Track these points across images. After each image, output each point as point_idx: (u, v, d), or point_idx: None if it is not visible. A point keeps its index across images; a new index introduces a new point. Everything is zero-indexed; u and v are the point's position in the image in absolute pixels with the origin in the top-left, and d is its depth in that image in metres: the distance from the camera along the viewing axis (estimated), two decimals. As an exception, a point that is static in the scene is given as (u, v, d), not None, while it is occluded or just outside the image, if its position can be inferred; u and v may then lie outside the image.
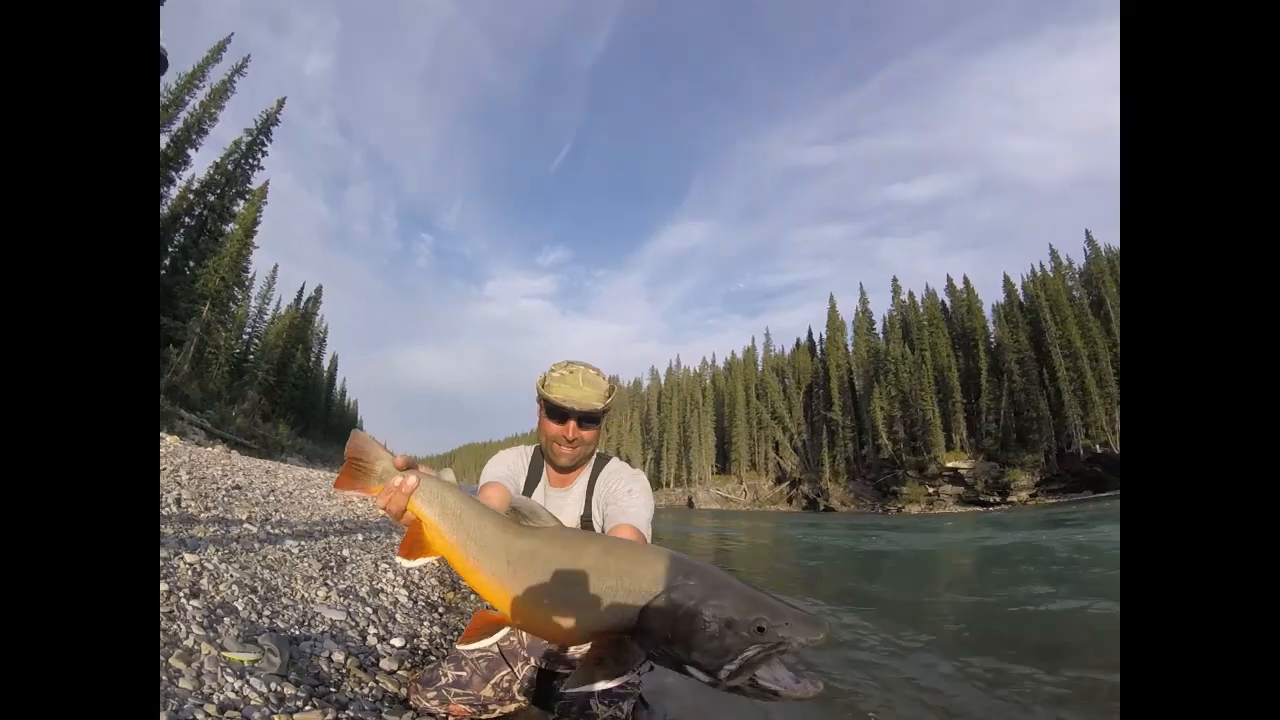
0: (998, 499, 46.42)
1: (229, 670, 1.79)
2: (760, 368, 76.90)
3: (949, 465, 49.95)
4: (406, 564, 1.28)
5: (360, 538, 5.01)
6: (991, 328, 56.09)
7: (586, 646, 1.88)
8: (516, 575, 1.17)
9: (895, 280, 62.50)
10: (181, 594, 2.22)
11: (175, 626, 1.94)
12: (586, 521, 2.02)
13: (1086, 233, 50.20)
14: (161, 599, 2.10)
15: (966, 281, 59.36)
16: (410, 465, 1.28)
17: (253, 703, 1.68)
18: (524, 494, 1.99)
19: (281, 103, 31.83)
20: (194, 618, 2.06)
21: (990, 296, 59.02)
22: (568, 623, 1.12)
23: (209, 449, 11.96)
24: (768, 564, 9.12)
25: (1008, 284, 56.20)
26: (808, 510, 54.17)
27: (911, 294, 61.69)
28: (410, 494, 1.25)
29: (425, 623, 3.10)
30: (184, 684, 1.63)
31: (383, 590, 3.39)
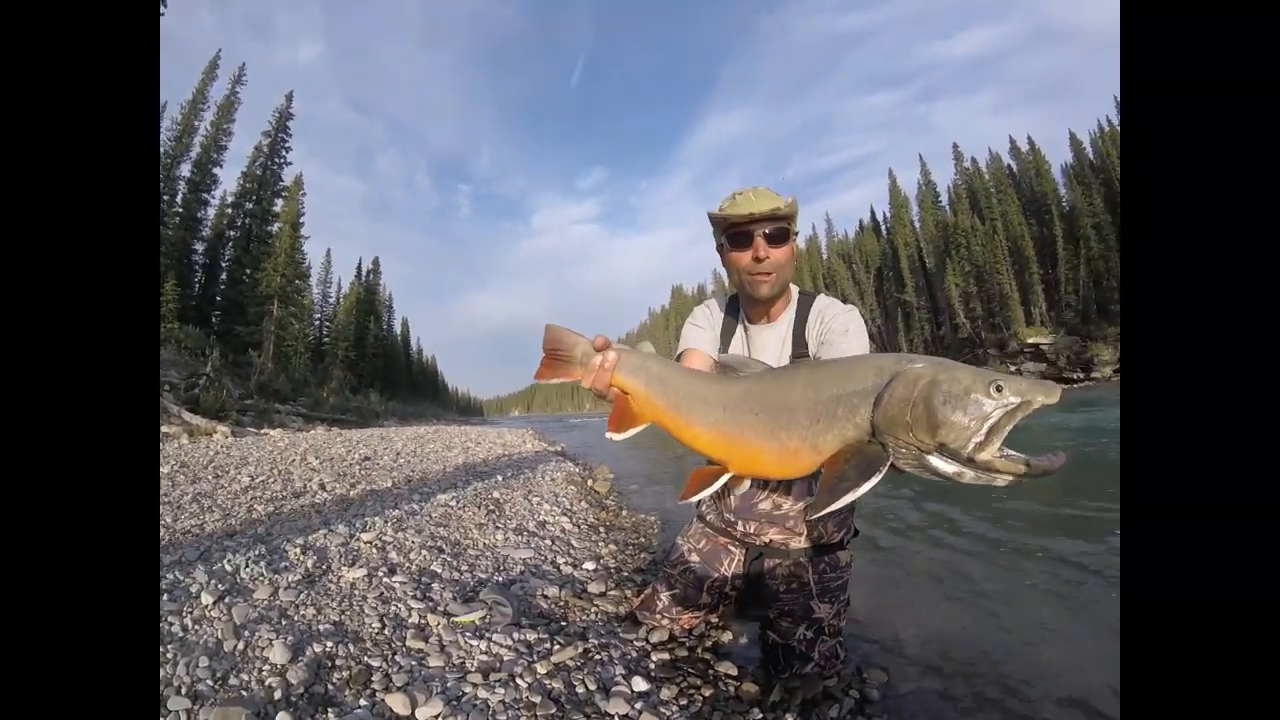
0: (1081, 375, 44.59)
1: (466, 634, 1.74)
2: (825, 255, 74.02)
3: (1030, 341, 48.02)
4: (617, 437, 1.33)
5: (499, 478, 5.11)
6: (1063, 191, 51.81)
7: (797, 506, 1.80)
8: (733, 417, 1.18)
9: (956, 146, 57.45)
10: (380, 573, 2.19)
11: (393, 608, 1.90)
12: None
13: (1158, 80, 45.31)
14: (365, 583, 2.08)
15: (1032, 142, 54.10)
16: (607, 344, 1.35)
17: (506, 659, 1.62)
18: (723, 341, 1.92)
19: (290, 97, 31.58)
20: (406, 593, 2.03)
21: (1058, 157, 53.77)
22: (793, 442, 1.09)
23: (312, 431, 12.60)
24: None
25: (1075, 142, 51.32)
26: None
27: (975, 160, 56.95)
28: (613, 369, 1.33)
29: (600, 543, 3.10)
30: (433, 662, 1.58)
31: (547, 522, 3.41)
